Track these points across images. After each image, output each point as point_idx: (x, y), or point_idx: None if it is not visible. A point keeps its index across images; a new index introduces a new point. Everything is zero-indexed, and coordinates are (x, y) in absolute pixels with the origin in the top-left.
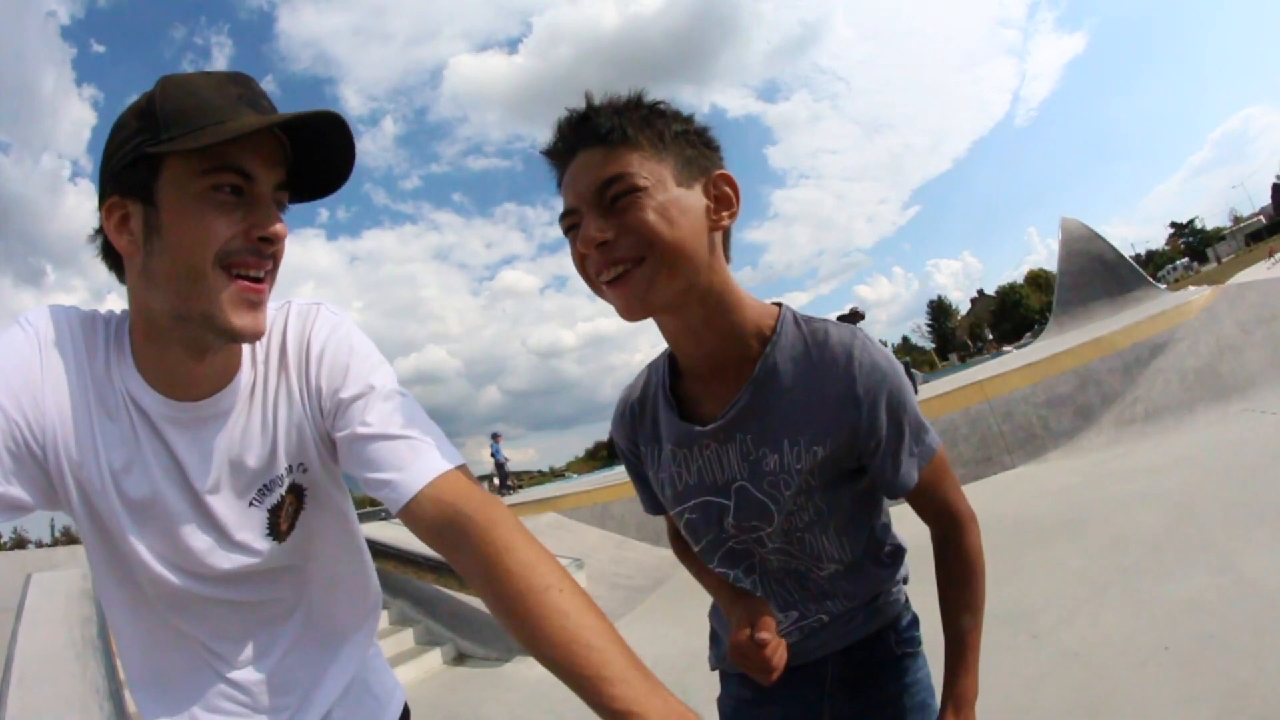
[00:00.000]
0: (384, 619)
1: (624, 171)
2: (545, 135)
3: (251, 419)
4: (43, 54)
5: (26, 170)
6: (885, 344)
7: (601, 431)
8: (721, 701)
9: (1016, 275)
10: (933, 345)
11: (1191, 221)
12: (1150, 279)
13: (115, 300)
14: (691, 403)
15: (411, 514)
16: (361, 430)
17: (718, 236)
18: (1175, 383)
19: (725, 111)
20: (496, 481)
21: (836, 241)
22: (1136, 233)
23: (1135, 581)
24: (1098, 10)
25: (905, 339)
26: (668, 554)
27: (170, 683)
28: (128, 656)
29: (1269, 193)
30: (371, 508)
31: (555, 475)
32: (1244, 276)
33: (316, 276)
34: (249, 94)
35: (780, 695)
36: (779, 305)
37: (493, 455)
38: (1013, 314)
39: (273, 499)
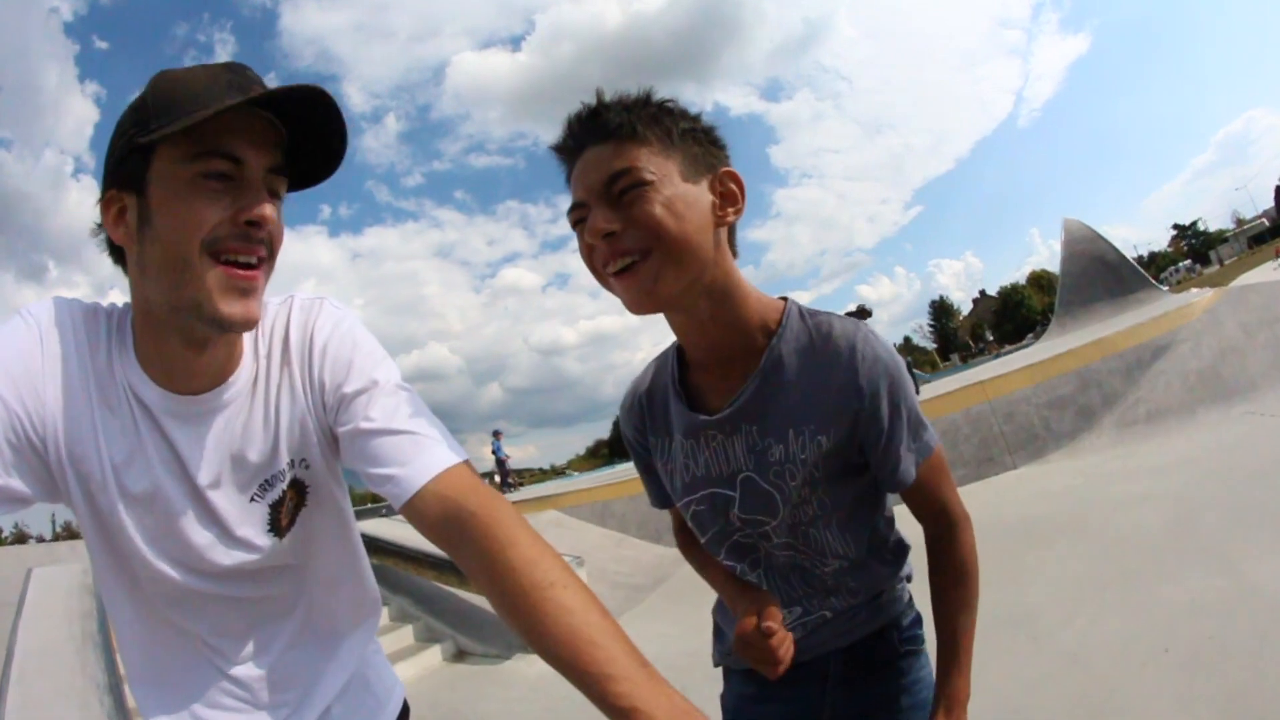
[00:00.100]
0: (384, 615)
1: (632, 166)
2: (548, 133)
3: (253, 413)
4: (45, 50)
5: (29, 166)
6: None
7: (602, 430)
8: (724, 698)
9: (1019, 276)
10: (934, 346)
11: (1194, 223)
12: (1152, 280)
13: (117, 296)
14: (700, 394)
15: (415, 509)
16: (365, 425)
17: (723, 232)
18: (1177, 385)
19: (728, 110)
20: (497, 479)
21: (838, 241)
22: (1139, 234)
23: (1136, 583)
24: (1101, 11)
25: (907, 339)
26: (668, 552)
27: (170, 679)
28: (128, 653)
29: (1272, 195)
30: (372, 504)
31: (556, 473)
32: (1249, 278)
33: (318, 273)
34: (240, 80)
35: (782, 692)
36: (785, 300)
37: (494, 452)
38: (1015, 315)
39: (274, 494)
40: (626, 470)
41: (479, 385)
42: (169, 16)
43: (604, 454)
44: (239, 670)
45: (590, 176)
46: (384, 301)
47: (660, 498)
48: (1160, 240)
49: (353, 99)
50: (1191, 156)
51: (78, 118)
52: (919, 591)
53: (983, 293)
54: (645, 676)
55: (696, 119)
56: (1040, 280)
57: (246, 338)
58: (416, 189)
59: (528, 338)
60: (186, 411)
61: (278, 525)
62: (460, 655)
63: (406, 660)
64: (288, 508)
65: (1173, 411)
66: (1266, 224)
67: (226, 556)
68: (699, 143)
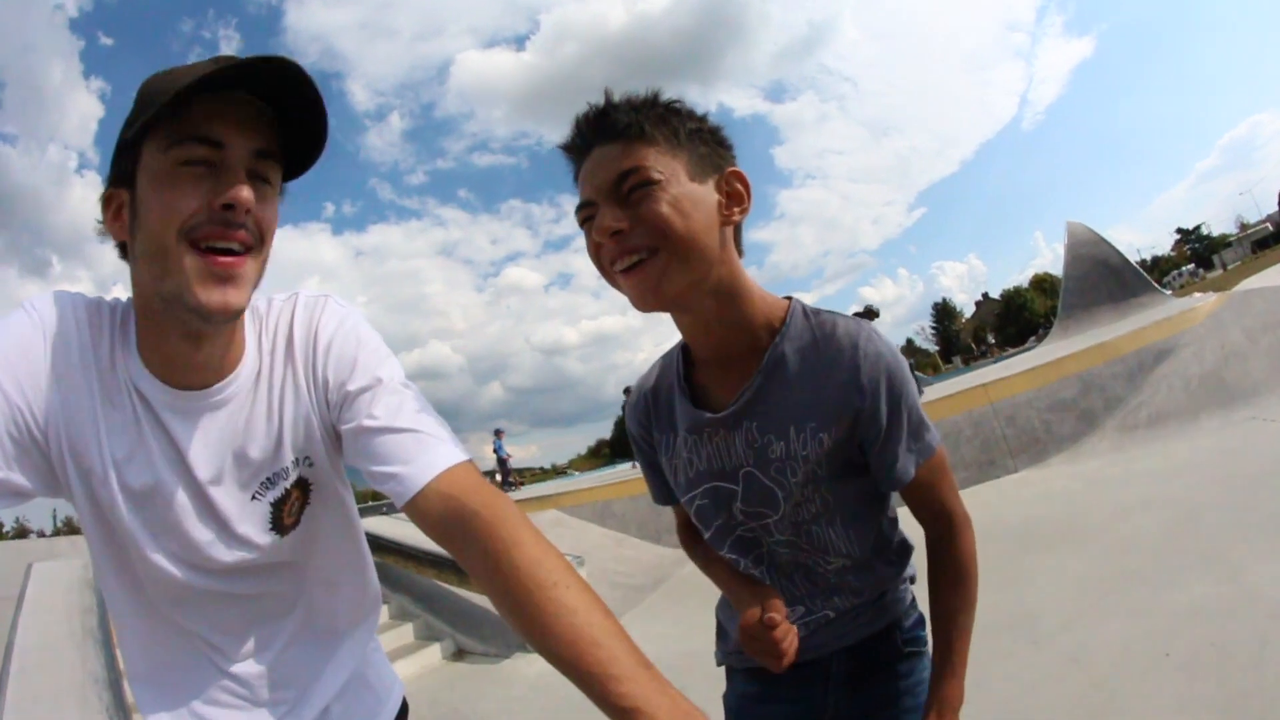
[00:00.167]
0: (384, 614)
1: (640, 165)
2: (551, 132)
3: (256, 410)
4: (50, 46)
5: (33, 161)
6: None
7: (604, 430)
8: (726, 698)
9: (1021, 279)
10: (936, 348)
11: (1198, 228)
12: (1156, 284)
13: (120, 291)
14: (704, 391)
15: (417, 508)
16: (368, 423)
17: (729, 231)
18: (1179, 389)
19: (732, 111)
20: (499, 478)
21: (842, 242)
22: (1142, 238)
23: (1137, 588)
24: (1106, 15)
25: (909, 341)
26: (668, 553)
27: (170, 676)
28: (128, 649)
29: (1276, 200)
30: (373, 502)
31: (557, 472)
32: (1256, 281)
33: (322, 270)
34: (219, 65)
35: (784, 692)
36: (790, 299)
37: (495, 451)
38: (1017, 317)
39: (277, 492)
40: (627, 470)
41: (480, 384)
42: (174, 13)
43: (605, 454)
44: (238, 668)
45: (598, 175)
46: (387, 299)
47: (663, 494)
48: (1164, 244)
49: (357, 96)
50: (1196, 161)
51: (82, 114)
52: (920, 592)
53: (986, 295)
54: (648, 677)
55: (703, 119)
56: (1043, 283)
57: (249, 334)
58: (420, 187)
59: (530, 337)
60: (188, 407)
61: (280, 523)
62: (460, 654)
63: (406, 658)
64: (291, 506)
65: (1175, 416)
66: (1270, 229)
67: (227, 553)
68: (705, 143)
